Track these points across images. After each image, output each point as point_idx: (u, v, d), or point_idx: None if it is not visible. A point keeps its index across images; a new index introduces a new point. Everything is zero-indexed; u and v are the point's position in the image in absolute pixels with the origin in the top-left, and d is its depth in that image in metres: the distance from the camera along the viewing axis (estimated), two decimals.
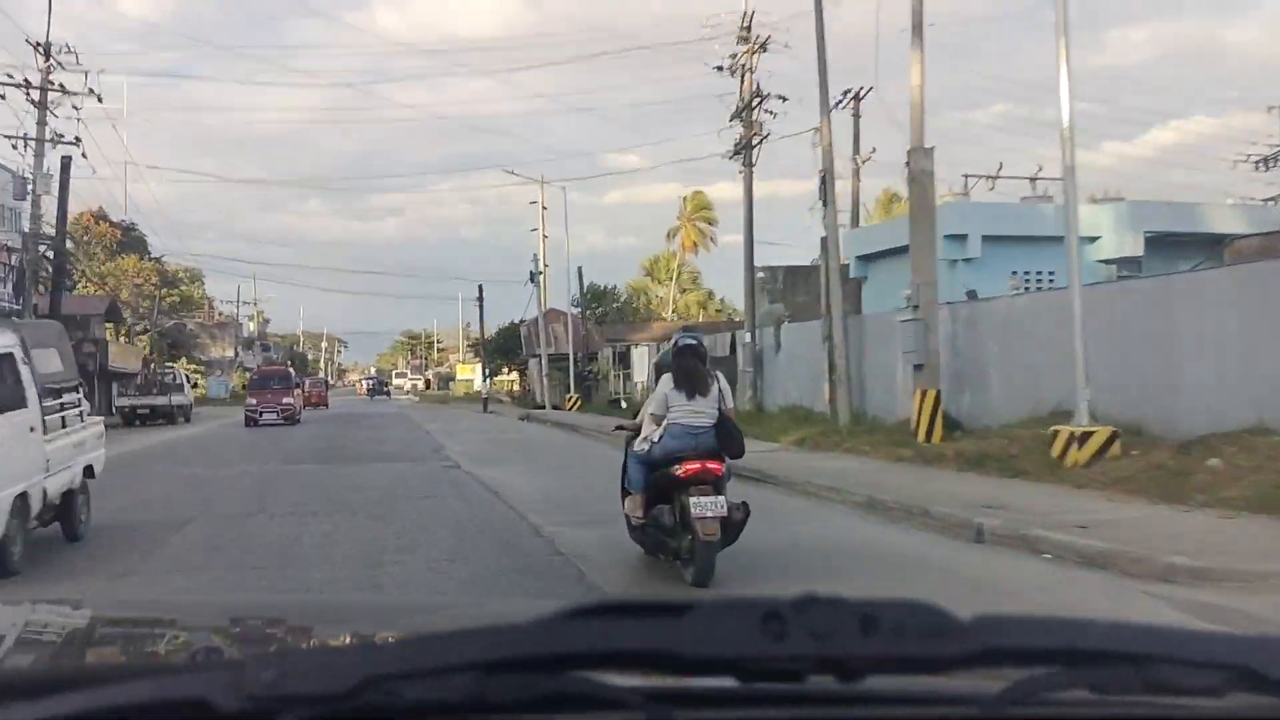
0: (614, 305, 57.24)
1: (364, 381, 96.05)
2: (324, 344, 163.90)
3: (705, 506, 6.68)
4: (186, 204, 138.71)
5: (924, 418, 16.11)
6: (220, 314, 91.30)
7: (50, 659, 1.64)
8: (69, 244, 72.17)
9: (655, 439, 7.15)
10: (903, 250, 24.27)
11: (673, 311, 65.75)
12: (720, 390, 7.25)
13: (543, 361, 42.29)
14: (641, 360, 35.11)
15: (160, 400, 34.61)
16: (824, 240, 21.13)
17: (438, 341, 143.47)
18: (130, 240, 72.00)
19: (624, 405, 35.42)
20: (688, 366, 7.20)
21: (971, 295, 19.11)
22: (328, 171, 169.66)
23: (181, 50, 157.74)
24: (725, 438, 7.16)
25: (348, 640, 1.76)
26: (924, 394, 16.14)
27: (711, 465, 6.93)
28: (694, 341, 7.51)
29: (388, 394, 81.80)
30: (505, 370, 71.63)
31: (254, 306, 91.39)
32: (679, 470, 6.88)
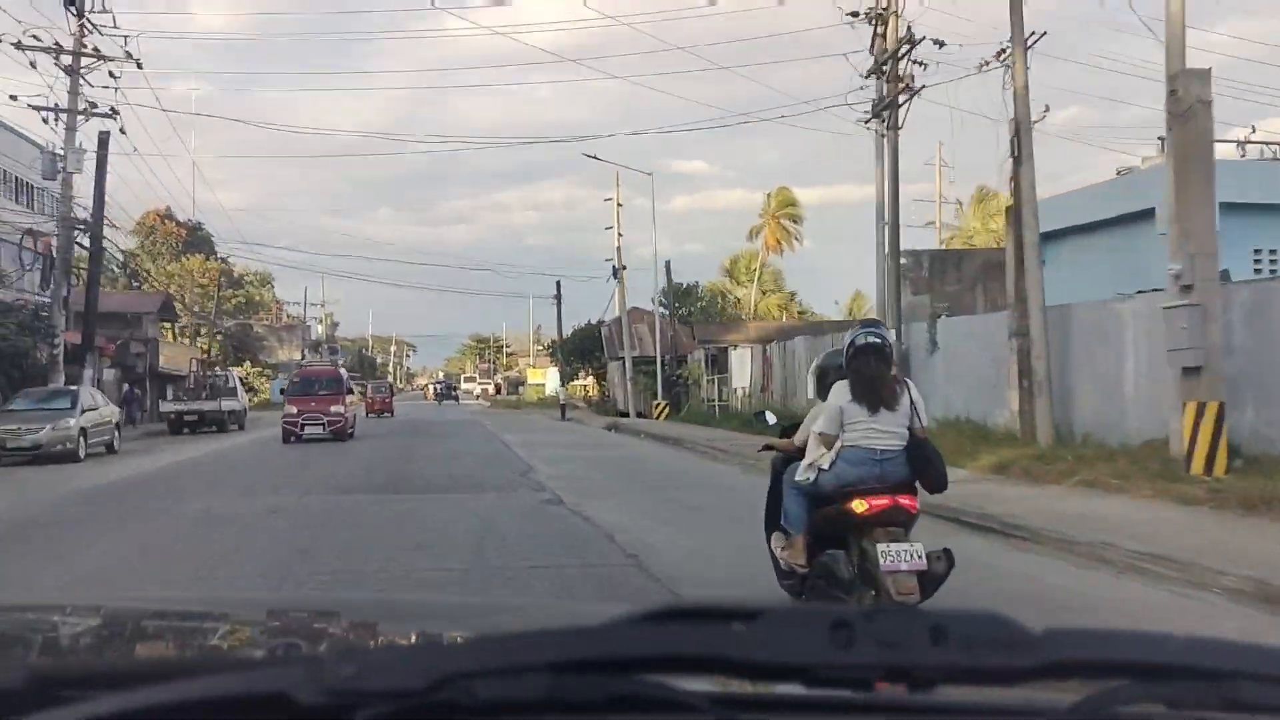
0: (698, 305, 52.93)
1: (432, 386, 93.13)
2: (393, 348, 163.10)
3: (898, 556, 5.20)
4: (260, 211, 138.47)
5: (1201, 440, 11.54)
6: (288, 315, 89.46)
7: (131, 652, 1.68)
8: (133, 243, 70.69)
9: (825, 465, 5.62)
10: (1093, 227, 19.52)
11: (754, 314, 61.41)
12: (912, 403, 5.69)
13: (626, 365, 38.18)
14: (742, 365, 30.77)
15: (209, 406, 30.82)
16: (1011, 210, 16.61)
17: (506, 345, 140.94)
18: (196, 240, 69.98)
19: (716, 413, 31.20)
20: (870, 372, 5.64)
21: (1224, 276, 14.47)
22: (398, 179, 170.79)
23: (255, 59, 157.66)
24: (921, 465, 5.68)
25: (421, 638, 1.77)
26: (1200, 408, 11.56)
27: (904, 501, 5.48)
28: (878, 340, 5.75)
29: (456, 398, 78.75)
30: (581, 374, 67.98)
31: (322, 308, 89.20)
32: (860, 506, 5.40)
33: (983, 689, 0.97)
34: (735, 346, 33.62)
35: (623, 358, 40.11)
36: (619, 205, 43.87)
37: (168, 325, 53.66)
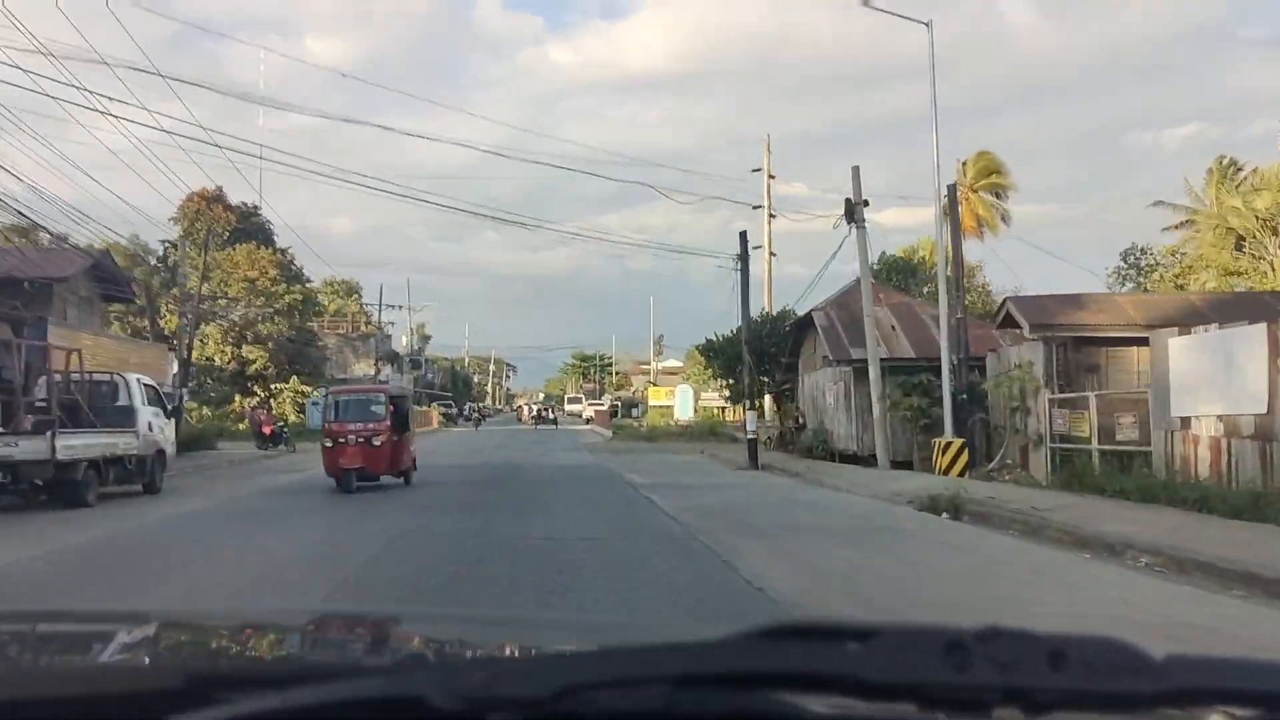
0: (924, 291, 35.69)
1: (527, 406, 77.38)
2: (491, 366, 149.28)
3: None
4: (372, 237, 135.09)
5: None
6: (368, 324, 75.45)
7: (274, 656, 1.77)
8: (175, 232, 57.18)
9: None
10: None
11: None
12: None
13: (873, 374, 21.14)
14: (1208, 360, 13.62)
15: (29, 450, 13.30)
16: None
17: (615, 363, 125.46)
18: (250, 228, 55.92)
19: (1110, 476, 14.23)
20: None
21: None
22: (503, 204, 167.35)
23: (367, 92, 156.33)
24: None
25: (547, 649, 1.79)
26: None
27: None
28: None
29: (554, 422, 63.19)
30: (721, 388, 51.70)
31: (408, 312, 74.58)
32: None
33: (1103, 715, 0.92)
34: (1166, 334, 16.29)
35: (842, 361, 23.29)
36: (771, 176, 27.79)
37: (122, 308, 38.56)
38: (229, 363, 50.50)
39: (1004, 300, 19.66)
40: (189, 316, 47.76)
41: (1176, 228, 43.87)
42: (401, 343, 75.63)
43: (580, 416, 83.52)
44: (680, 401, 53.69)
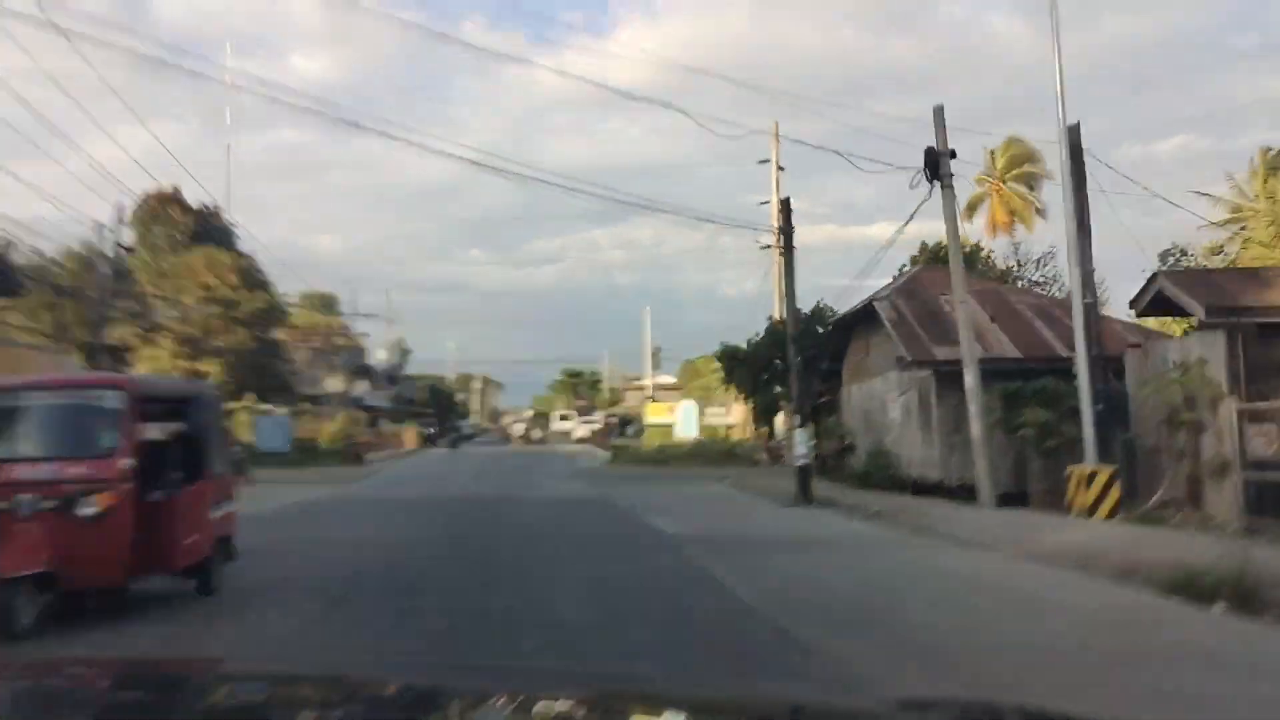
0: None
1: (517, 425, 72.16)
2: (477, 384, 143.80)
3: None
4: (358, 255, 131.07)
5: None
6: (346, 336, 70.08)
7: None
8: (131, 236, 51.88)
9: None
10: None
11: None
12: None
13: (970, 380, 15.95)
14: None
15: None
16: None
17: (606, 379, 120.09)
18: (210, 230, 50.62)
19: None
20: None
21: None
22: (489, 221, 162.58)
23: (353, 108, 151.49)
24: None
25: None
26: None
27: None
28: None
29: (541, 441, 58.11)
30: (743, 398, 46.88)
31: (385, 324, 69.16)
32: None
33: None
34: None
35: (920, 363, 18.18)
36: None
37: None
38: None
39: (1153, 275, 14.52)
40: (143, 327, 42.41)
41: (1221, 224, 39.19)
42: (377, 357, 70.24)
43: (570, 436, 78.15)
44: (683, 419, 48.49)
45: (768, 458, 31.81)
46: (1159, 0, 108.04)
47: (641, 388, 74.35)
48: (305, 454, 31.26)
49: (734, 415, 49.00)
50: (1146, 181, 49.57)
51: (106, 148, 50.08)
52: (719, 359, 31.98)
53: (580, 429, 58.16)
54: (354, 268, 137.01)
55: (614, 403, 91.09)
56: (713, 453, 33.19)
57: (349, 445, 33.65)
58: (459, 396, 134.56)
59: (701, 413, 48.95)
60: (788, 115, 53.79)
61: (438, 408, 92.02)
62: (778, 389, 27.29)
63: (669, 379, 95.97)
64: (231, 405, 42.45)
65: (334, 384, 60.81)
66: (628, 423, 67.45)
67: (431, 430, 31.73)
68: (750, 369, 27.63)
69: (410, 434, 44.69)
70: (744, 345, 29.19)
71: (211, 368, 43.85)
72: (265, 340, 47.11)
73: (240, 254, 49.49)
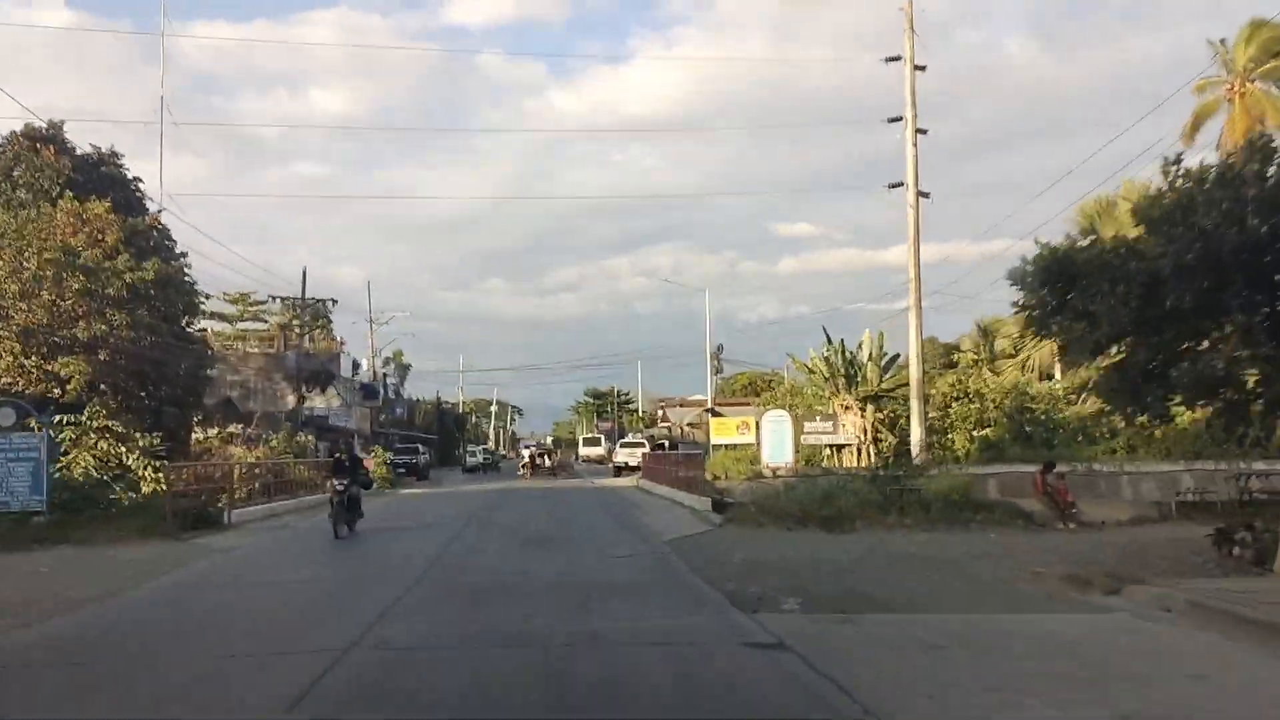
0: None
1: (526, 449, 55.94)
2: (493, 407, 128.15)
3: None
4: (379, 285, 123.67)
5: None
6: (329, 339, 54.68)
7: None
8: None
9: None
10: None
11: None
12: None
13: None
14: None
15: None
16: None
17: (629, 397, 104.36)
18: (98, 179, 35.38)
19: None
20: None
21: None
22: (508, 250, 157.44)
23: (371, 141, 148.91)
24: None
25: None
26: None
27: None
28: None
29: (552, 470, 42.15)
30: (876, 411, 30.78)
31: (370, 325, 53.45)
32: None
33: None
34: None
35: None
36: None
37: None
38: (32, 385, 29.26)
39: None
40: None
41: None
42: (362, 368, 54.55)
43: (604, 463, 62.00)
44: (773, 438, 32.39)
45: (1052, 508, 15.61)
46: None
47: (696, 403, 58.50)
48: (80, 511, 15.70)
49: (847, 430, 32.94)
50: None
51: None
52: (1031, 276, 15.23)
53: (622, 454, 41.78)
54: (377, 297, 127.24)
55: (651, 423, 75.17)
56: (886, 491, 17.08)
57: (177, 496, 17.49)
58: (475, 419, 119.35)
59: (799, 428, 32.92)
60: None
61: (444, 432, 76.16)
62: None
63: (699, 396, 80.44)
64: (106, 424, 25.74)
65: (309, 401, 45.19)
66: (673, 446, 51.45)
67: (339, 456, 18.23)
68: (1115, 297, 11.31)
69: (371, 464, 28.92)
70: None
71: (71, 369, 28.13)
72: (154, 324, 31.41)
73: (131, 215, 34.02)
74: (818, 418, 33.29)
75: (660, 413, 73.37)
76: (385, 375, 57.53)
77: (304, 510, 21.20)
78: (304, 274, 35.48)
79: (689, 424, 61.56)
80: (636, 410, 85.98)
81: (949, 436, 33.46)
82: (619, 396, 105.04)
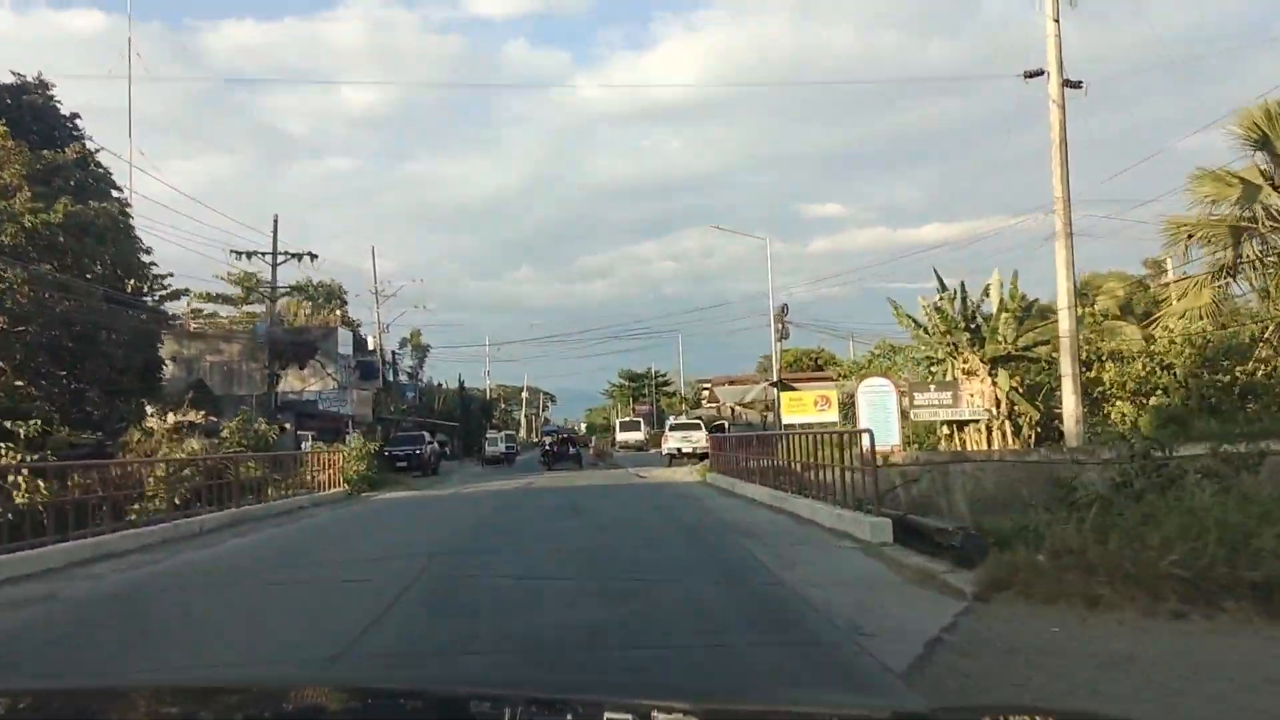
0: None
1: (545, 435, 47.99)
2: (524, 394, 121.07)
3: None
4: (409, 276, 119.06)
5: None
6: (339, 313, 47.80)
7: None
8: None
9: None
10: None
11: None
12: None
13: None
14: None
15: None
16: None
17: (681, 376, 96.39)
18: (21, 109, 28.13)
19: None
20: None
21: None
22: (537, 238, 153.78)
23: (400, 134, 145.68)
24: None
25: None
26: None
27: None
28: None
29: (577, 459, 34.59)
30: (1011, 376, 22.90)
31: (375, 294, 45.95)
32: None
33: None
34: None
35: None
36: None
37: None
38: None
39: None
40: None
41: None
42: (368, 345, 47.14)
43: (644, 449, 54.26)
44: (874, 413, 24.41)
45: None
46: None
47: (746, 379, 50.49)
48: None
49: (973, 402, 24.91)
50: None
51: None
52: None
53: (671, 437, 33.40)
54: (408, 287, 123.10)
55: (695, 404, 67.26)
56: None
57: (60, 510, 10.48)
58: (503, 407, 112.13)
59: (909, 401, 24.89)
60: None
61: (467, 418, 68.81)
62: None
63: (747, 375, 72.24)
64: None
65: (295, 382, 37.85)
66: (720, 425, 43.61)
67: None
68: None
69: (322, 458, 20.55)
70: None
71: None
72: (105, 297, 23.94)
73: (67, 147, 26.97)
74: (931, 386, 25.23)
75: (706, 392, 65.40)
76: (395, 355, 50.05)
77: (235, 527, 13.77)
78: (275, 222, 27.88)
79: (741, 404, 53.61)
80: (677, 393, 77.86)
81: (1105, 408, 25.32)
82: (656, 378, 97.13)
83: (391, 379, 48.09)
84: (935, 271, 25.98)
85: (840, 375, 33.63)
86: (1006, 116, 70.52)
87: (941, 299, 25.87)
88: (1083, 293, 46.77)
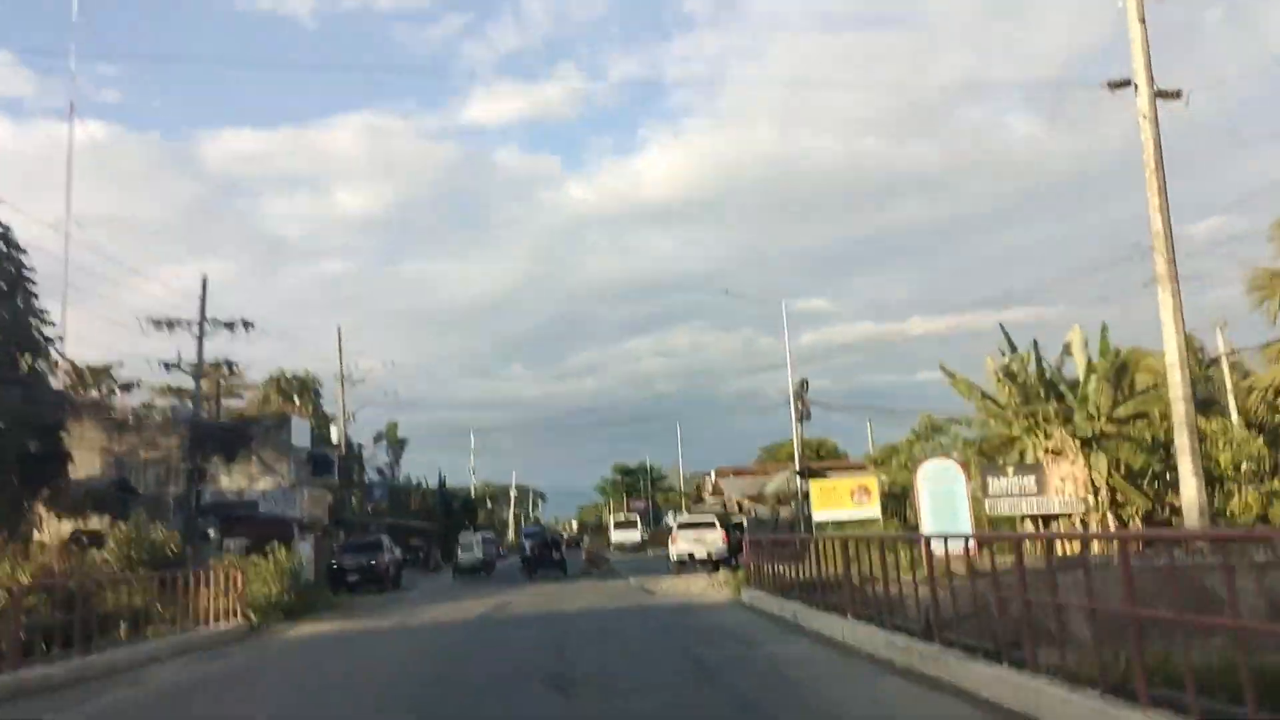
0: None
1: (525, 539, 41.89)
2: (513, 492, 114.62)
3: None
4: (402, 376, 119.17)
5: None
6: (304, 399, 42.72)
7: None
8: None
9: None
10: None
11: None
12: None
13: None
14: None
15: None
16: None
17: (660, 474, 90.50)
18: None
19: None
20: None
21: None
22: (528, 336, 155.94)
23: (396, 237, 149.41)
24: None
25: None
26: None
27: None
28: None
29: (562, 565, 28.99)
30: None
31: (340, 381, 40.72)
32: None
33: None
34: None
35: None
36: None
37: None
38: None
39: None
40: None
41: None
42: (332, 434, 41.77)
43: (641, 551, 48.62)
44: (939, 504, 19.20)
45: None
46: None
47: (754, 470, 44.89)
48: None
49: (1064, 489, 19.72)
50: None
51: None
52: None
53: (681, 537, 27.23)
54: (401, 387, 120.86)
55: (697, 500, 61.45)
56: None
57: None
58: (489, 506, 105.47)
59: (983, 487, 19.69)
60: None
61: (448, 519, 62.74)
62: None
63: (747, 466, 66.59)
64: None
65: (238, 482, 32.32)
66: (736, 525, 37.99)
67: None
68: None
69: (247, 577, 15.05)
70: None
71: None
72: None
73: None
74: (1009, 470, 20.07)
75: (708, 484, 59.79)
76: (361, 449, 44.51)
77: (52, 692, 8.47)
78: (204, 285, 22.90)
79: (751, 498, 48.07)
80: (674, 488, 71.93)
81: (1229, 494, 20.28)
82: (651, 472, 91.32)
83: (357, 476, 42.49)
84: (1002, 328, 21.03)
85: (874, 462, 28.41)
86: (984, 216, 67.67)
87: (1011, 361, 20.93)
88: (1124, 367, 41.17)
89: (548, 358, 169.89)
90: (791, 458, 66.59)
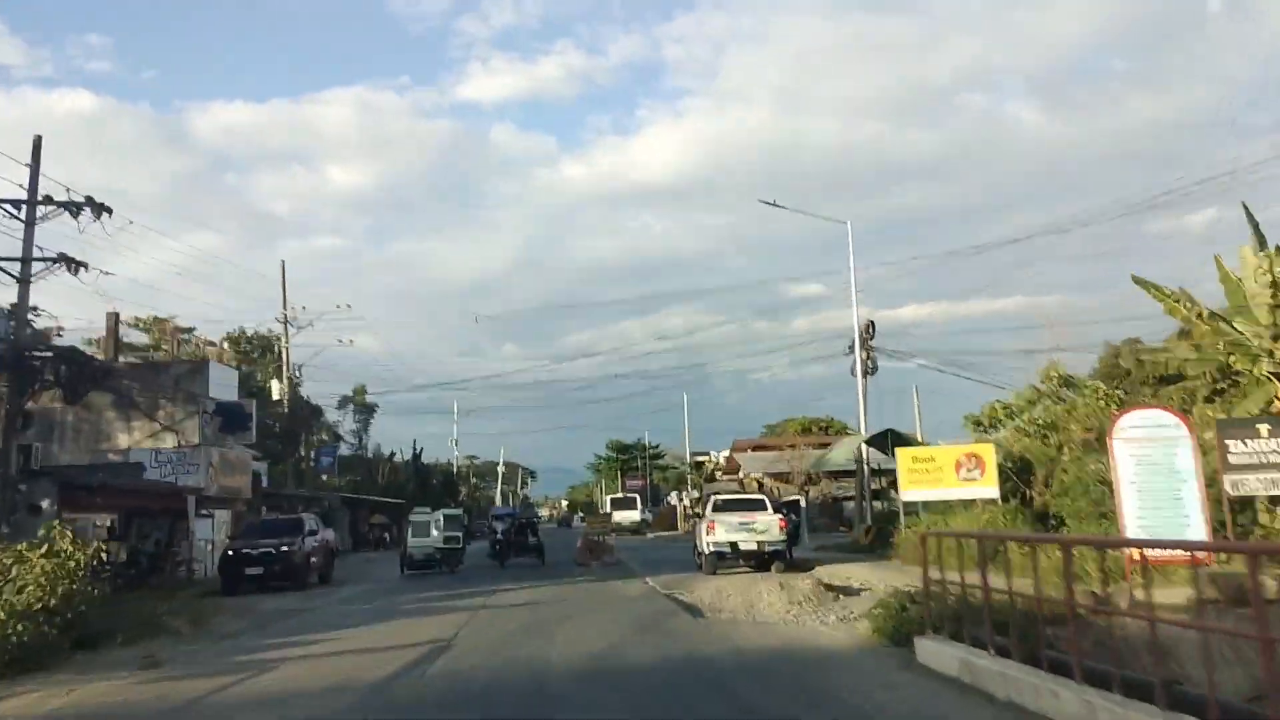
0: None
1: (495, 520, 34.41)
2: (501, 468, 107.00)
3: None
4: (396, 357, 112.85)
5: None
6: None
7: None
8: None
9: None
10: None
11: None
12: None
13: None
14: None
15: None
16: None
17: (656, 449, 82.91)
18: None
19: None
20: None
21: None
22: (523, 316, 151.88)
23: (388, 214, 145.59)
24: None
25: None
26: None
27: None
28: None
29: (539, 550, 21.45)
30: None
31: (283, 324, 33.25)
32: None
33: None
34: None
35: None
36: None
37: None
38: None
39: None
40: None
41: None
42: (274, 389, 34.33)
43: (639, 534, 41.48)
44: (1149, 474, 11.96)
45: None
46: None
47: (776, 444, 36.95)
48: None
49: None
50: None
51: None
52: None
53: (719, 522, 19.59)
54: (394, 368, 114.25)
55: (709, 479, 53.94)
56: None
57: None
58: (474, 483, 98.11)
59: (1221, 456, 12.40)
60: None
61: (425, 493, 55.08)
62: None
63: (718, 454, 58.90)
64: None
65: (133, 438, 24.79)
66: (794, 506, 30.55)
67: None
68: None
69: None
70: None
71: None
72: None
73: None
74: (1263, 429, 12.61)
75: (724, 460, 52.23)
76: (319, 410, 36.82)
77: None
78: (36, 144, 14.88)
79: (771, 475, 40.65)
80: (683, 461, 64.17)
81: None
82: (648, 451, 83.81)
83: (307, 440, 34.89)
84: (1245, 207, 13.45)
85: (975, 424, 20.94)
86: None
87: (1266, 257, 13.43)
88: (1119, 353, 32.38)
89: (542, 338, 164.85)
90: (807, 430, 59.02)
